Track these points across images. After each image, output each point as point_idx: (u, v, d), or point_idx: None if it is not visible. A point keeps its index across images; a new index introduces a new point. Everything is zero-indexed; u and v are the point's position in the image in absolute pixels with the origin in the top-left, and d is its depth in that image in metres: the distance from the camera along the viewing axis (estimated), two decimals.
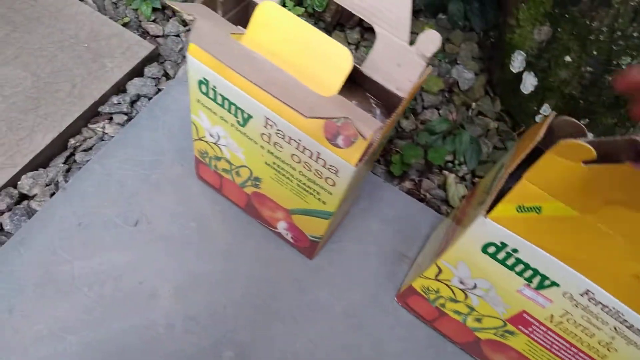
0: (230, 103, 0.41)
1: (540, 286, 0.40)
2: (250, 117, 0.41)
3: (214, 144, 0.48)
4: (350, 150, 0.37)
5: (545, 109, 0.68)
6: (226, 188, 0.55)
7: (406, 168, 0.66)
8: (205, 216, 0.56)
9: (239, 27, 0.40)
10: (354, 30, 0.77)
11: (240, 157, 0.47)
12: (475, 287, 0.45)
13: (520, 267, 0.40)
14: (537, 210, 0.36)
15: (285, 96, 0.31)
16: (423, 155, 0.67)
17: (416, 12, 0.81)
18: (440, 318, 0.52)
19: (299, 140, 0.39)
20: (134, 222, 0.54)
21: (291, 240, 0.55)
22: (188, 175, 0.58)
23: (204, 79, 0.41)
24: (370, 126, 0.34)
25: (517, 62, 0.68)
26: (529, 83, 0.68)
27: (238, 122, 0.43)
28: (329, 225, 0.49)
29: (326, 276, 0.56)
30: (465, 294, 0.47)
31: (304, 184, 0.44)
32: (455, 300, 0.49)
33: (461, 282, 0.46)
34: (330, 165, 0.39)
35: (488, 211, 0.38)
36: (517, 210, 0.37)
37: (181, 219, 0.55)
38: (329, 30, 0.77)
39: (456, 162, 0.70)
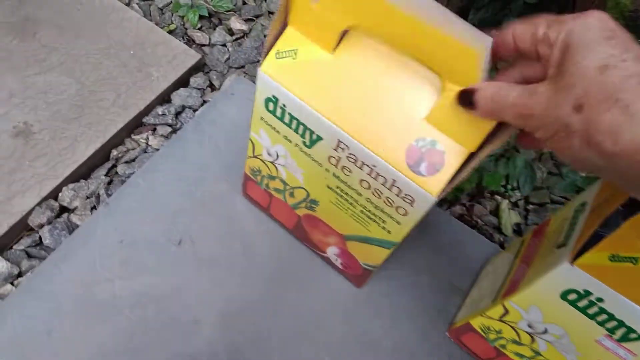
0: (299, 123, 0.38)
1: (625, 339, 0.37)
2: (319, 138, 0.38)
3: (271, 162, 0.45)
4: (432, 179, 0.34)
5: None
6: (275, 208, 0.52)
7: (459, 193, 0.63)
8: (250, 237, 0.54)
9: None
10: None
11: (299, 178, 0.44)
12: (545, 332, 0.42)
13: (603, 317, 0.37)
14: (634, 261, 0.33)
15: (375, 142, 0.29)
16: (477, 180, 0.64)
17: None
18: (497, 359, 0.49)
19: (374, 165, 0.36)
20: (178, 242, 0.52)
21: (340, 267, 0.52)
22: (233, 192, 0.55)
23: (273, 96, 0.38)
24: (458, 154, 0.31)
25: None
26: None
27: (304, 142, 0.40)
28: (389, 255, 0.46)
29: (375, 307, 0.53)
30: (533, 338, 0.43)
31: (369, 210, 0.41)
32: (519, 343, 0.45)
33: (530, 326, 0.42)
34: (406, 194, 0.36)
35: (575, 257, 0.34)
36: (610, 260, 0.33)
37: (226, 240, 0.53)
38: None
39: (509, 187, 0.66)
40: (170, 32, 0.69)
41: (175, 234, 0.52)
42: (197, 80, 0.65)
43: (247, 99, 0.61)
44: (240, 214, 0.55)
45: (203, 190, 0.55)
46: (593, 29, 0.26)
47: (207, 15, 0.70)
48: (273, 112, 0.40)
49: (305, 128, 0.38)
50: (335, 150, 0.38)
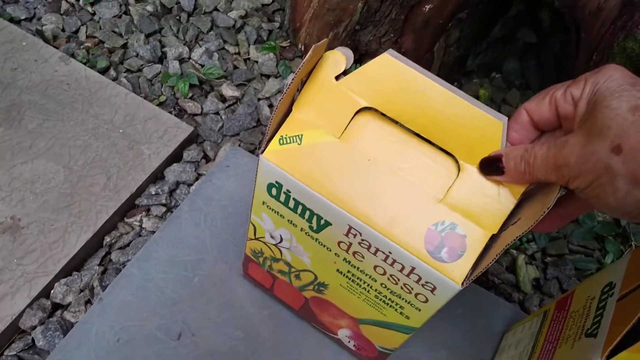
0: (306, 209, 0.36)
1: None
2: (328, 224, 0.35)
3: (274, 245, 0.42)
4: (455, 266, 0.31)
5: None
6: (279, 289, 0.49)
7: None
8: (253, 323, 0.50)
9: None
10: None
11: (305, 261, 0.41)
12: None
13: None
14: None
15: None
16: None
17: (469, 73, 0.75)
18: None
19: (389, 252, 0.33)
20: (177, 335, 0.49)
21: (353, 348, 0.48)
22: (232, 274, 0.53)
23: (277, 182, 0.35)
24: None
25: None
26: None
27: (311, 227, 0.37)
28: (408, 339, 0.42)
29: None
30: None
31: (385, 296, 0.38)
32: None
33: None
34: (427, 282, 0.33)
35: (609, 355, 0.31)
36: None
37: (227, 328, 0.50)
38: None
39: (524, 239, 0.63)
40: (161, 104, 0.67)
41: (174, 327, 0.49)
42: (190, 153, 0.62)
43: (243, 170, 0.59)
44: (241, 298, 0.52)
45: (201, 275, 0.52)
46: (617, 79, 0.27)
47: (197, 83, 0.68)
48: (276, 197, 0.37)
49: (312, 213, 0.35)
50: (346, 235, 0.35)
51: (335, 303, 0.44)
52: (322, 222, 0.35)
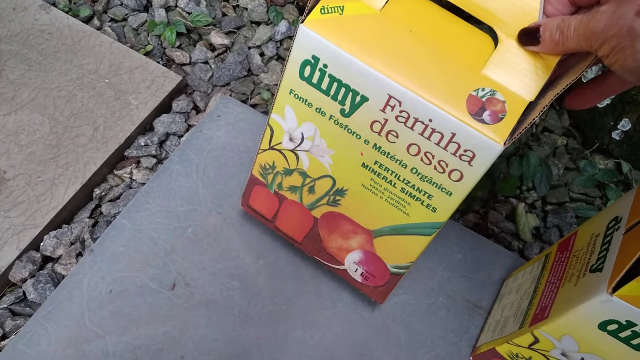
0: (341, 85, 0.35)
1: None
2: (364, 99, 0.34)
3: (291, 151, 0.41)
4: (498, 127, 0.32)
5: (624, 124, 0.60)
6: (283, 216, 0.47)
7: (470, 200, 0.59)
8: (249, 273, 0.49)
9: None
10: None
11: (325, 163, 0.40)
12: None
13: None
14: None
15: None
16: (490, 185, 0.60)
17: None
18: None
19: (430, 120, 0.33)
20: (171, 286, 0.48)
21: (360, 279, 0.47)
22: (227, 225, 0.51)
23: (313, 57, 0.35)
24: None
25: (591, 72, 0.59)
26: None
27: (343, 110, 0.36)
28: (426, 247, 0.41)
29: (390, 336, 0.48)
30: None
31: (413, 186, 0.37)
32: None
33: (564, 355, 0.38)
34: (466, 150, 0.33)
35: (615, 287, 0.30)
36: None
37: (222, 278, 0.49)
38: None
39: (524, 187, 0.62)
40: (147, 53, 0.64)
41: (167, 277, 0.48)
42: (179, 103, 0.60)
43: (234, 120, 0.57)
44: (236, 248, 0.50)
45: (194, 225, 0.51)
46: None
47: (185, 31, 0.65)
48: (309, 79, 0.36)
49: (348, 90, 0.35)
50: (383, 111, 0.34)
51: (350, 216, 0.42)
52: (358, 99, 0.35)
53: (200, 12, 0.67)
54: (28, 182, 0.52)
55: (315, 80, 0.36)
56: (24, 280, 0.49)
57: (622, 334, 0.33)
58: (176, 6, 0.69)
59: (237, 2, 0.69)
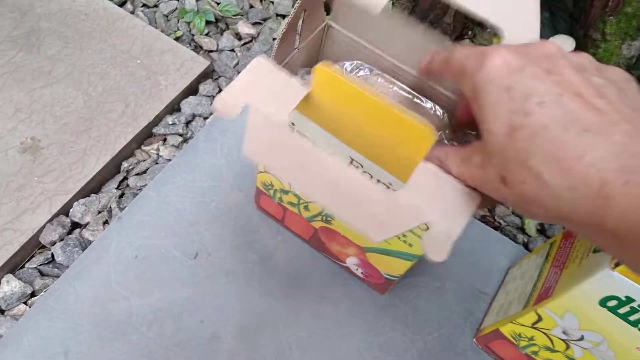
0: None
1: None
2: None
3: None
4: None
5: None
6: (290, 220, 0.50)
7: None
8: (267, 248, 0.52)
9: (305, 72, 0.38)
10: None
11: None
12: (582, 339, 0.40)
13: None
14: None
15: (352, 213, 0.28)
16: None
17: (481, 25, 0.75)
18: None
19: (390, 184, 0.35)
20: (194, 255, 0.50)
21: (361, 275, 0.50)
22: (249, 202, 0.54)
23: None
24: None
25: None
26: None
27: None
28: (411, 266, 0.44)
29: (398, 315, 0.51)
30: (567, 345, 0.41)
31: None
32: (552, 350, 0.43)
33: (565, 333, 0.41)
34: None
35: (617, 263, 0.33)
36: None
37: (242, 251, 0.51)
38: None
39: None
40: (177, 39, 0.67)
41: (190, 246, 0.51)
42: (206, 87, 0.63)
43: None
44: (256, 224, 0.53)
45: (217, 200, 0.54)
46: (494, 82, 0.25)
47: (213, 20, 0.68)
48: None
49: None
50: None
51: (342, 233, 0.45)
52: None
53: (229, 3, 0.70)
54: (61, 151, 0.54)
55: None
56: (53, 243, 0.52)
57: (621, 310, 0.35)
58: None
59: None
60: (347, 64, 0.41)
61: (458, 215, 0.30)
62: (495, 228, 0.60)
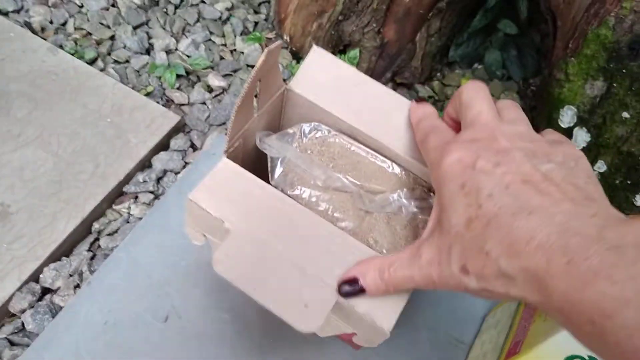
0: None
1: None
2: None
3: None
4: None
5: (600, 165, 0.63)
6: None
7: None
8: (239, 306, 0.52)
9: (263, 135, 0.40)
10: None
11: None
12: None
13: None
14: None
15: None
16: None
17: (451, 64, 0.76)
18: None
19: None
20: (164, 318, 0.50)
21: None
22: None
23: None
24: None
25: (567, 117, 0.63)
26: (580, 139, 0.62)
27: None
28: None
29: None
30: None
31: None
32: None
33: None
34: None
35: None
36: None
37: (213, 311, 0.51)
38: None
39: None
40: (148, 94, 0.68)
41: (161, 309, 0.50)
42: (177, 142, 0.63)
43: None
44: (228, 282, 0.53)
45: (187, 259, 0.53)
46: (452, 180, 0.27)
47: (184, 73, 0.69)
48: None
49: None
50: None
51: None
52: None
53: (199, 56, 0.71)
54: (30, 216, 0.54)
55: None
56: (23, 311, 0.51)
57: None
58: (176, 49, 0.72)
59: (235, 47, 0.73)
60: (304, 126, 0.42)
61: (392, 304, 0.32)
62: None
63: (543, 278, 0.23)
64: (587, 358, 0.34)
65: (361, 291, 0.31)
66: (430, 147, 0.32)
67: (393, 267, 0.30)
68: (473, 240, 0.26)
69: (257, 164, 0.41)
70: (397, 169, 0.40)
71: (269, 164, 0.41)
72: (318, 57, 0.42)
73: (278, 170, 0.40)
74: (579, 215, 0.23)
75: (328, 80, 0.41)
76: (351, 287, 0.31)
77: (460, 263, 0.26)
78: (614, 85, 0.57)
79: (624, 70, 0.55)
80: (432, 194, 0.40)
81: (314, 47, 0.42)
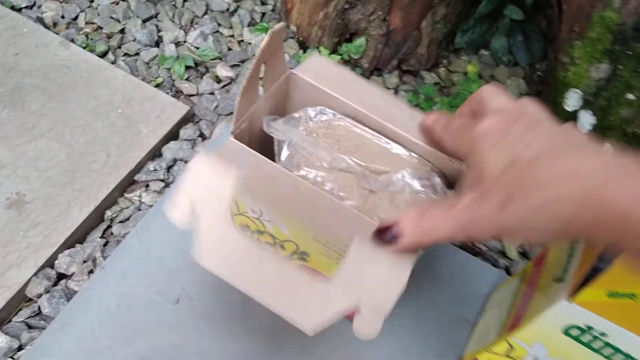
0: None
1: None
2: None
3: (257, 219, 0.45)
4: None
5: (606, 148, 0.63)
6: None
7: None
8: None
9: (270, 119, 0.41)
10: (392, 75, 0.74)
11: (285, 231, 0.44)
12: None
13: (609, 351, 0.35)
14: (632, 297, 0.31)
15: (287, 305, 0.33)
16: None
17: (457, 51, 0.77)
18: None
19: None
20: (175, 300, 0.51)
21: None
22: None
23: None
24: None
25: (573, 100, 0.63)
26: (586, 122, 0.63)
27: None
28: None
29: (380, 348, 0.51)
30: None
31: None
32: None
33: None
34: None
35: (573, 293, 0.33)
36: (608, 296, 0.32)
37: (223, 294, 0.52)
38: (366, 76, 0.73)
39: None
40: (158, 85, 0.69)
41: (172, 292, 0.52)
42: (187, 131, 0.65)
43: None
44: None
45: None
46: (491, 133, 0.29)
47: (193, 65, 0.70)
48: None
49: None
50: None
51: (319, 270, 0.46)
52: None
53: (207, 47, 0.72)
54: (45, 205, 0.56)
55: None
56: (40, 296, 0.53)
57: (584, 338, 0.35)
58: (185, 41, 0.74)
59: (242, 37, 0.75)
60: (310, 110, 0.43)
61: (388, 291, 0.34)
62: (476, 254, 0.61)
63: (602, 195, 0.24)
64: (585, 327, 0.34)
65: (395, 238, 0.32)
66: (460, 124, 0.34)
67: (428, 215, 0.31)
68: (512, 181, 0.27)
69: (264, 148, 0.42)
70: (400, 150, 0.41)
71: (276, 147, 0.42)
72: (320, 58, 0.44)
73: (284, 153, 0.41)
74: (616, 160, 0.25)
75: (331, 71, 0.43)
76: (386, 235, 0.32)
77: (499, 198, 0.27)
78: (619, 67, 0.57)
79: (629, 53, 0.55)
80: (434, 172, 0.41)
81: (315, 53, 0.44)
